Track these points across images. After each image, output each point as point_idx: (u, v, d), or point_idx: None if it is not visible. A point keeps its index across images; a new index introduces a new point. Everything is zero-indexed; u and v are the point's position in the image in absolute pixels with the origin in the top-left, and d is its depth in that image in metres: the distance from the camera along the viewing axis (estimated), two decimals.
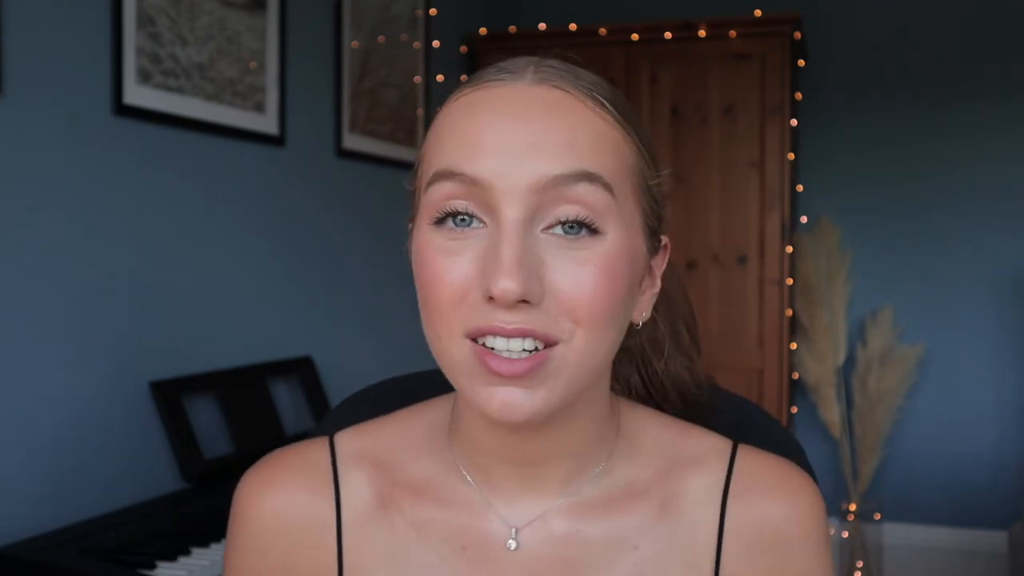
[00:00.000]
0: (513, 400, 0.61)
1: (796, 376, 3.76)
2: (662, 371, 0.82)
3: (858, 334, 3.90)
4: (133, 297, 2.09)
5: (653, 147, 0.69)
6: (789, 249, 3.55)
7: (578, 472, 0.71)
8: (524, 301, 0.60)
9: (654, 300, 0.71)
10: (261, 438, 2.30)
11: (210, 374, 2.25)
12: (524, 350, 0.61)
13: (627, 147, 0.65)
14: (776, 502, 0.71)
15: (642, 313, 0.70)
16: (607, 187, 0.62)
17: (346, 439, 0.76)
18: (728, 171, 3.54)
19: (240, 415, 2.27)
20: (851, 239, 3.90)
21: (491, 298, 0.60)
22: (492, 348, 0.61)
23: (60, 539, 1.76)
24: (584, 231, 0.62)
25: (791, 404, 3.67)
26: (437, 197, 0.62)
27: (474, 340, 0.62)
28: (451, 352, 0.63)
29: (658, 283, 0.72)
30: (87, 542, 1.76)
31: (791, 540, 0.70)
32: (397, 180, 3.21)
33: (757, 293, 3.53)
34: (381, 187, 3.09)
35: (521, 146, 0.61)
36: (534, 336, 0.61)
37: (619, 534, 0.70)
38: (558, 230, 0.62)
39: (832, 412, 3.78)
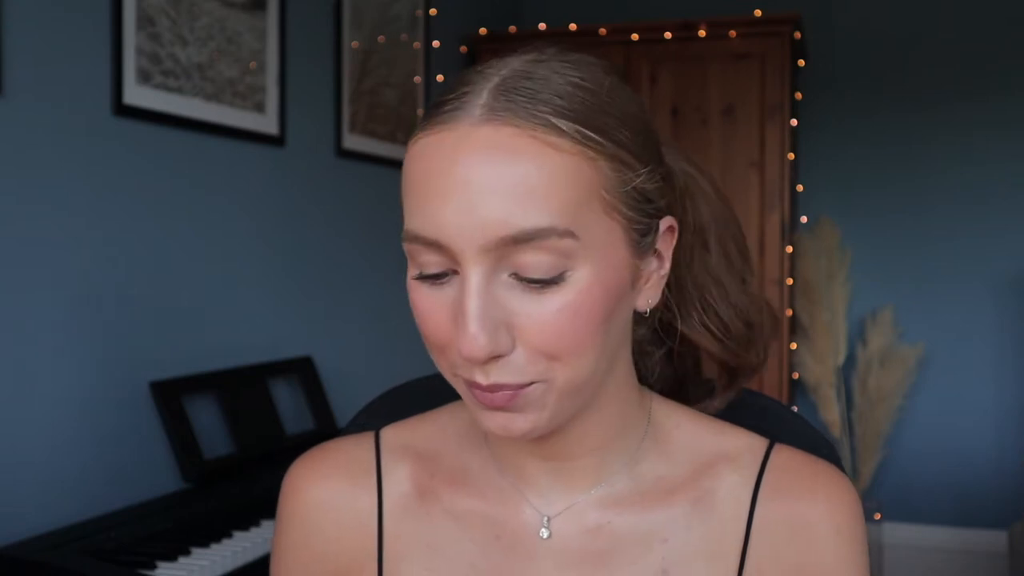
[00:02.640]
0: (508, 423, 0.65)
1: (796, 376, 3.76)
2: (724, 307, 0.79)
3: (858, 334, 3.90)
4: (133, 297, 2.09)
5: (637, 140, 0.66)
6: (789, 249, 3.55)
7: (607, 464, 0.73)
8: (495, 356, 0.62)
9: (663, 282, 0.71)
10: (261, 438, 2.30)
11: (210, 374, 2.25)
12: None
13: (591, 166, 0.62)
14: (807, 497, 0.71)
15: (648, 300, 0.70)
16: (565, 233, 0.61)
17: (391, 433, 0.80)
18: (728, 171, 3.54)
19: (240, 415, 2.27)
20: (851, 239, 3.90)
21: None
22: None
23: (60, 539, 1.76)
24: (544, 283, 0.62)
25: (791, 404, 3.67)
26: (413, 254, 0.65)
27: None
28: (452, 382, 0.68)
29: (667, 264, 0.71)
30: (87, 542, 1.75)
31: (820, 534, 0.70)
32: (397, 180, 3.20)
33: (757, 293, 3.52)
34: (381, 187, 3.09)
35: (469, 201, 0.60)
36: (507, 387, 0.63)
37: (649, 527, 0.72)
38: (521, 276, 0.62)
39: (832, 412, 3.78)
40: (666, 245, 0.70)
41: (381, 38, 3.10)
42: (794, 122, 3.63)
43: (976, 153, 3.83)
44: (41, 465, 1.86)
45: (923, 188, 3.90)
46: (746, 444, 0.74)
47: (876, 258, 3.94)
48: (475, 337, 0.60)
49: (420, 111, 3.32)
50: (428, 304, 0.65)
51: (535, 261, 0.61)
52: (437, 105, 0.65)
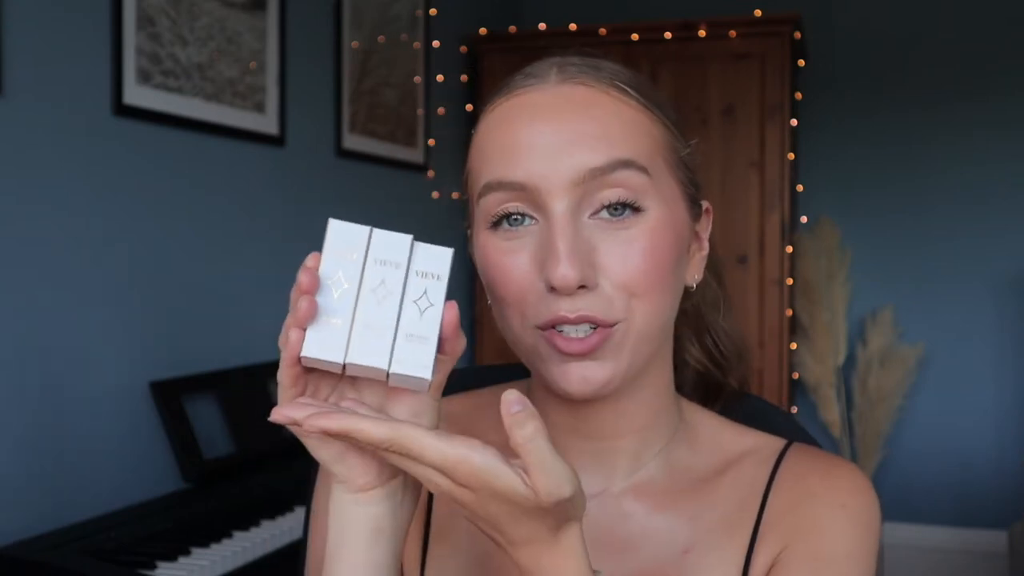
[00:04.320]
0: (587, 373, 0.67)
1: (796, 376, 3.76)
2: (715, 326, 0.85)
3: (858, 334, 3.90)
4: (133, 297, 2.09)
5: (680, 121, 0.74)
6: (789, 249, 3.55)
7: (645, 448, 0.75)
8: (582, 287, 0.65)
9: (704, 262, 0.76)
10: (261, 438, 2.30)
11: (210, 374, 2.25)
12: (590, 327, 0.66)
13: (654, 127, 0.70)
14: (819, 478, 0.74)
15: (693, 276, 0.75)
16: (642, 169, 0.67)
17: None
18: (728, 171, 3.54)
19: (240, 415, 2.27)
20: (851, 239, 3.90)
21: (552, 288, 0.65)
22: (560, 330, 0.66)
23: (60, 539, 1.76)
24: (627, 211, 0.67)
25: (791, 404, 3.67)
26: (490, 205, 0.68)
27: (544, 329, 0.67)
28: (524, 340, 0.69)
29: (706, 246, 0.76)
30: (87, 542, 1.75)
31: (824, 507, 0.72)
32: (397, 180, 3.21)
33: (757, 293, 3.53)
34: (381, 187, 3.09)
35: (557, 145, 0.66)
36: (594, 321, 0.65)
37: (678, 512, 0.74)
38: (604, 214, 0.67)
39: (832, 412, 3.78)
40: (704, 228, 0.76)
41: (381, 38, 3.10)
42: (794, 122, 3.63)
43: (976, 153, 3.83)
44: (41, 465, 1.86)
45: (923, 188, 3.89)
46: (766, 441, 0.78)
47: (876, 258, 3.94)
48: (567, 262, 0.63)
49: (420, 111, 3.32)
50: (505, 254, 0.67)
51: (615, 193, 0.66)
52: (509, 82, 0.71)
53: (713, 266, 0.83)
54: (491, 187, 0.67)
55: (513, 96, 0.69)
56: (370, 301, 0.59)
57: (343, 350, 0.58)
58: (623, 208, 0.66)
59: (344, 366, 0.59)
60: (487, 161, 0.69)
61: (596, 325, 0.66)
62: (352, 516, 0.62)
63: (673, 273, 0.69)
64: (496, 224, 0.68)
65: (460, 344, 0.60)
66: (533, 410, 0.56)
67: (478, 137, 0.71)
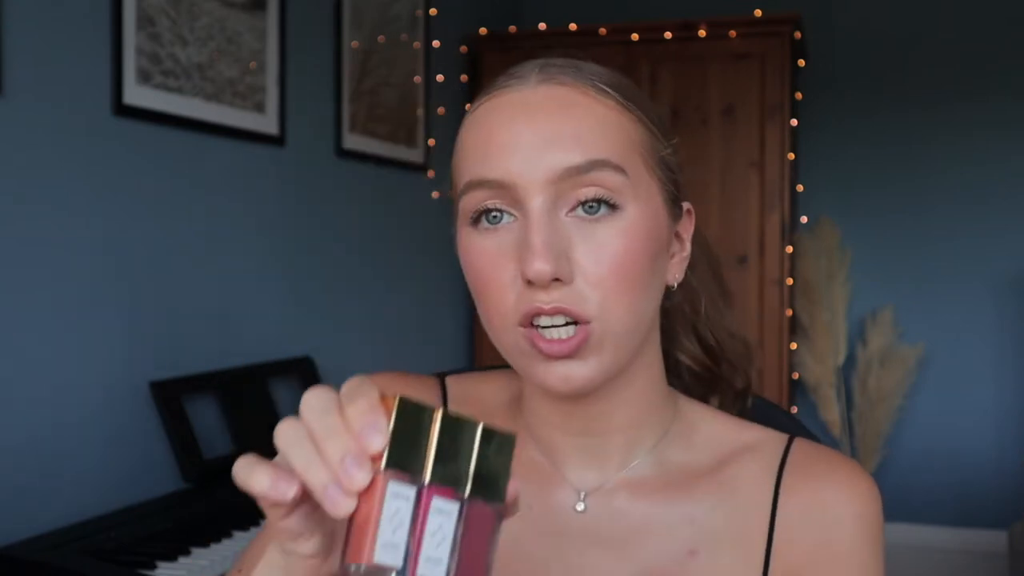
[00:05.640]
0: (569, 372, 0.67)
1: (796, 376, 3.76)
2: (714, 326, 0.85)
3: (858, 334, 3.90)
4: (133, 297, 2.09)
5: (662, 121, 0.74)
6: (789, 249, 3.55)
7: (636, 444, 0.76)
8: (557, 280, 0.65)
9: (686, 263, 0.77)
10: (261, 438, 2.29)
11: (210, 374, 2.25)
12: (568, 323, 0.66)
13: (633, 126, 0.70)
14: (830, 486, 0.74)
15: (675, 276, 0.75)
16: (618, 168, 0.68)
17: (452, 382, 0.84)
18: (728, 171, 3.54)
19: (240, 415, 2.27)
20: (851, 239, 3.90)
21: (529, 281, 0.66)
22: (538, 327, 0.67)
23: (60, 539, 1.76)
24: (603, 209, 0.67)
25: (791, 404, 3.67)
26: (470, 203, 0.69)
27: (524, 326, 0.68)
28: (507, 338, 0.69)
29: (688, 247, 0.77)
30: (87, 542, 1.75)
31: (841, 520, 0.72)
32: (397, 180, 3.21)
33: (757, 293, 3.53)
34: (381, 187, 3.09)
35: (536, 143, 0.67)
36: (568, 314, 0.66)
37: (675, 510, 0.75)
38: (580, 211, 0.67)
39: (832, 412, 3.78)
40: (685, 229, 0.77)
41: (381, 38, 3.10)
42: (794, 122, 3.63)
43: (976, 153, 3.83)
44: (41, 465, 1.86)
45: (923, 188, 3.90)
46: (766, 437, 0.78)
47: (876, 258, 3.94)
48: (542, 256, 0.64)
49: (420, 111, 3.32)
50: (484, 250, 0.68)
51: (591, 192, 0.67)
52: (494, 82, 0.72)
53: (711, 265, 0.84)
54: (471, 185, 0.68)
55: (495, 96, 0.71)
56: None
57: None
58: (599, 205, 0.67)
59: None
60: (468, 159, 0.70)
61: (572, 319, 0.66)
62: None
63: (649, 272, 0.69)
64: (476, 221, 0.69)
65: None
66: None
67: (461, 136, 0.72)
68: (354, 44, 2.94)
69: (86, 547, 1.73)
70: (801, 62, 3.84)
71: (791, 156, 3.55)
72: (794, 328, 3.72)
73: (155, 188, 2.16)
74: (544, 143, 0.67)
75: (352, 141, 2.92)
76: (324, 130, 2.82)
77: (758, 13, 3.56)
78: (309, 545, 0.53)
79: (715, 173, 3.55)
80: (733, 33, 3.51)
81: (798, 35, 3.53)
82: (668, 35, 3.56)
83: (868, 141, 3.95)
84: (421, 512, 0.49)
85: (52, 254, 1.90)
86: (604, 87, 0.70)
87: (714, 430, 0.78)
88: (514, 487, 0.52)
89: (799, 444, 0.77)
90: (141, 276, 2.12)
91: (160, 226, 2.17)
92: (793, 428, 0.87)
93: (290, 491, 0.49)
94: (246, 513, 1.99)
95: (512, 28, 3.82)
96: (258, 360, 2.44)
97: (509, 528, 0.74)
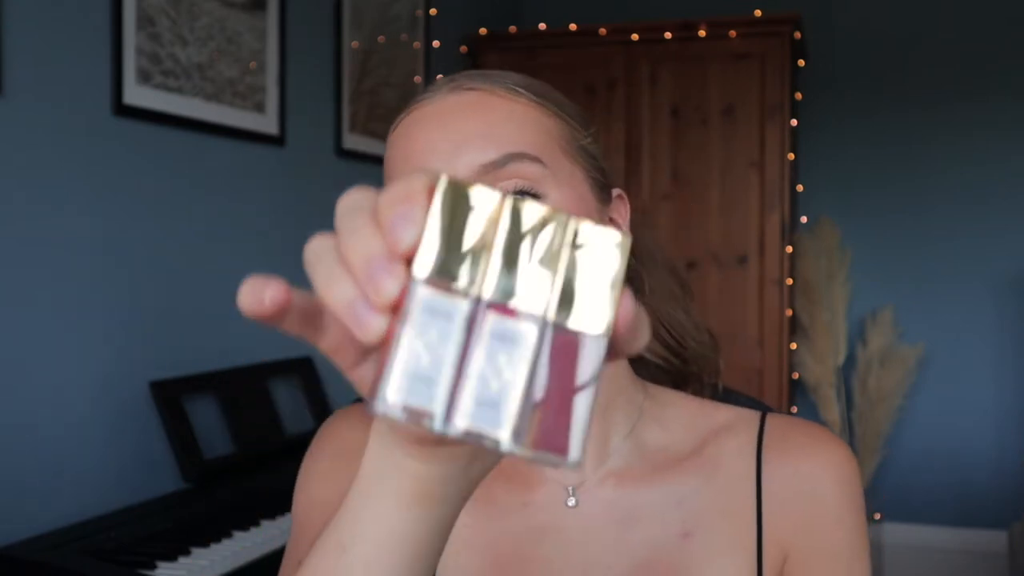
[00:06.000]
0: None
1: (796, 376, 3.76)
2: (672, 320, 0.86)
3: (858, 334, 3.90)
4: (133, 297, 2.09)
5: (580, 114, 0.76)
6: (789, 249, 3.55)
7: (609, 431, 0.77)
8: None
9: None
10: (261, 438, 2.30)
11: (210, 374, 2.25)
12: None
13: (548, 119, 0.72)
14: (808, 453, 0.76)
15: None
16: (535, 159, 0.69)
17: None
18: (728, 171, 3.54)
19: (240, 415, 2.27)
20: (851, 239, 3.90)
21: None
22: None
23: (60, 539, 1.76)
24: (526, 198, 0.66)
25: (791, 404, 3.67)
26: None
27: None
28: None
29: (626, 232, 0.76)
30: (87, 542, 1.76)
31: (825, 489, 0.75)
32: None
33: (757, 293, 3.53)
34: (381, 187, 3.08)
35: (450, 147, 0.69)
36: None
37: (663, 493, 0.76)
38: None
39: (832, 412, 3.78)
40: (620, 215, 0.78)
41: (381, 38, 3.10)
42: (794, 122, 3.63)
43: (976, 153, 3.83)
44: (41, 465, 1.86)
45: (923, 188, 3.90)
46: (738, 415, 0.80)
47: (876, 258, 3.94)
48: None
49: None
50: None
51: (511, 184, 0.68)
52: (412, 100, 0.75)
53: (667, 262, 0.86)
54: None
55: (411, 112, 0.73)
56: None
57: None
58: (521, 196, 0.68)
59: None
60: (393, 173, 0.72)
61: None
62: (392, 468, 0.46)
63: None
64: None
65: None
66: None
67: (386, 155, 0.74)
68: (354, 44, 2.94)
69: (86, 547, 1.73)
70: (801, 62, 3.84)
71: (791, 156, 3.55)
72: (794, 328, 3.72)
73: (155, 188, 2.16)
74: (458, 144, 0.69)
75: (352, 141, 2.92)
76: (324, 130, 2.82)
77: (758, 13, 3.56)
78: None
79: (715, 173, 3.55)
80: (733, 33, 3.51)
81: (798, 35, 3.53)
82: (668, 35, 3.56)
83: (868, 141, 3.95)
84: (473, 339, 0.36)
85: (52, 254, 1.90)
86: (514, 87, 0.72)
87: (687, 411, 0.80)
88: (627, 308, 0.37)
89: (772, 419, 0.79)
90: (141, 276, 2.12)
91: (160, 226, 2.17)
92: (759, 408, 0.89)
93: (265, 293, 0.38)
94: (246, 513, 1.99)
95: (512, 28, 3.82)
96: (258, 360, 2.44)
97: (508, 529, 0.75)
